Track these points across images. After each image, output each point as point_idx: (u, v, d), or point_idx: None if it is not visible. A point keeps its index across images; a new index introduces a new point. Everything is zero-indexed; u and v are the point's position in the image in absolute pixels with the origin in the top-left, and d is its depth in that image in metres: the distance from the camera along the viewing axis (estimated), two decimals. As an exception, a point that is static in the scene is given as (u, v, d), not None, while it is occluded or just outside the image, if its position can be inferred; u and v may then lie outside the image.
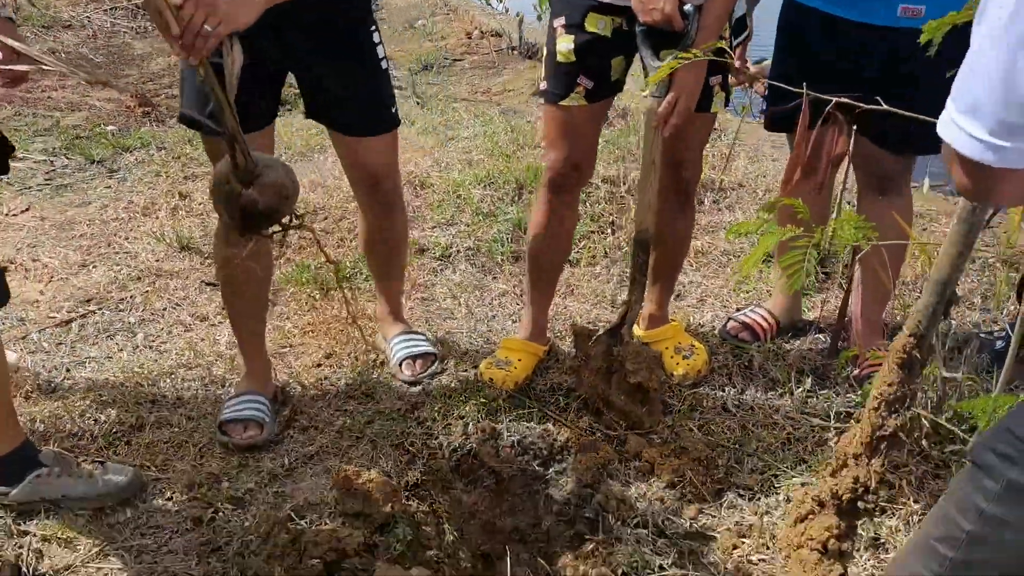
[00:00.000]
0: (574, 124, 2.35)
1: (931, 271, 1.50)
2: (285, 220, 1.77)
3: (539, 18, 5.60)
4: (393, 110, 2.37)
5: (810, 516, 1.76)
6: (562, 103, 2.31)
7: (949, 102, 0.96)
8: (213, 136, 2.12)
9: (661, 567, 2.00)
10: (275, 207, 1.71)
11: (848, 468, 1.62)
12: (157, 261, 3.43)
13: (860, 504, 1.60)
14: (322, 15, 2.15)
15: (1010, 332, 2.14)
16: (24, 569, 1.91)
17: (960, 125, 0.93)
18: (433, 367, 2.65)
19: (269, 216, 1.72)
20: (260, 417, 2.39)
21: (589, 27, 2.24)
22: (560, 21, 2.29)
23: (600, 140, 2.58)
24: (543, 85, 2.36)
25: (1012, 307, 2.88)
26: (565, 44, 2.27)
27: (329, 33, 2.19)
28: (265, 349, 2.58)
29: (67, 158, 4.49)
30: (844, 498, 1.62)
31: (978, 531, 1.05)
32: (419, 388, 2.59)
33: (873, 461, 1.58)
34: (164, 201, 3.91)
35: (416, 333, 2.76)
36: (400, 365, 2.64)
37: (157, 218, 3.78)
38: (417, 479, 2.23)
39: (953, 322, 2.46)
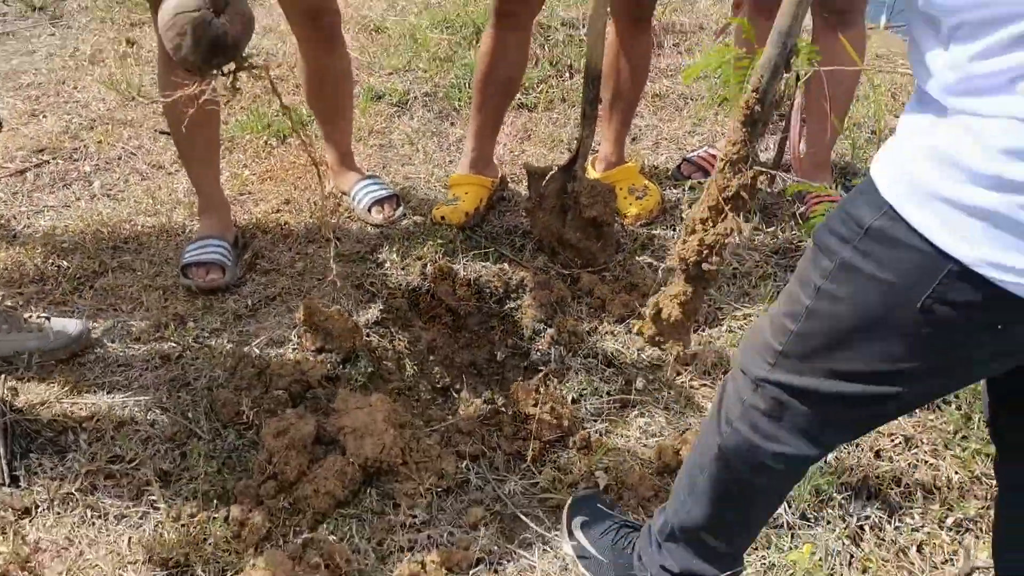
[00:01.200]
0: None
1: (775, 22, 1.44)
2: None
3: None
4: None
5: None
6: None
7: None
8: None
9: (608, 392, 2.13)
10: (241, 38, 1.67)
11: (695, 233, 1.55)
12: (108, 110, 3.37)
13: (704, 267, 1.53)
14: None
15: None
16: (2, 404, 1.99)
17: None
18: (401, 209, 2.69)
19: (234, 48, 1.69)
20: (221, 260, 2.43)
21: None
22: None
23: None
24: None
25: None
26: None
27: None
28: (222, 193, 2.60)
29: (6, 5, 4.30)
30: (690, 262, 1.55)
31: (814, 305, 1.16)
32: (378, 232, 2.64)
33: (718, 223, 1.53)
34: (112, 48, 3.80)
35: (374, 177, 2.78)
36: (369, 210, 2.68)
37: (105, 65, 3.68)
38: (377, 317, 2.32)
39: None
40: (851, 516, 1.79)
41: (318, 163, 2.57)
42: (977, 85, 0.95)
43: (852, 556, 1.73)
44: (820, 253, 1.16)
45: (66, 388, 2.07)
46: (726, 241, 1.53)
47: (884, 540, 1.77)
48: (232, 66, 1.71)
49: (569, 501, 1.79)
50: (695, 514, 1.42)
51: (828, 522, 1.79)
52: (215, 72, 1.74)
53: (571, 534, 1.73)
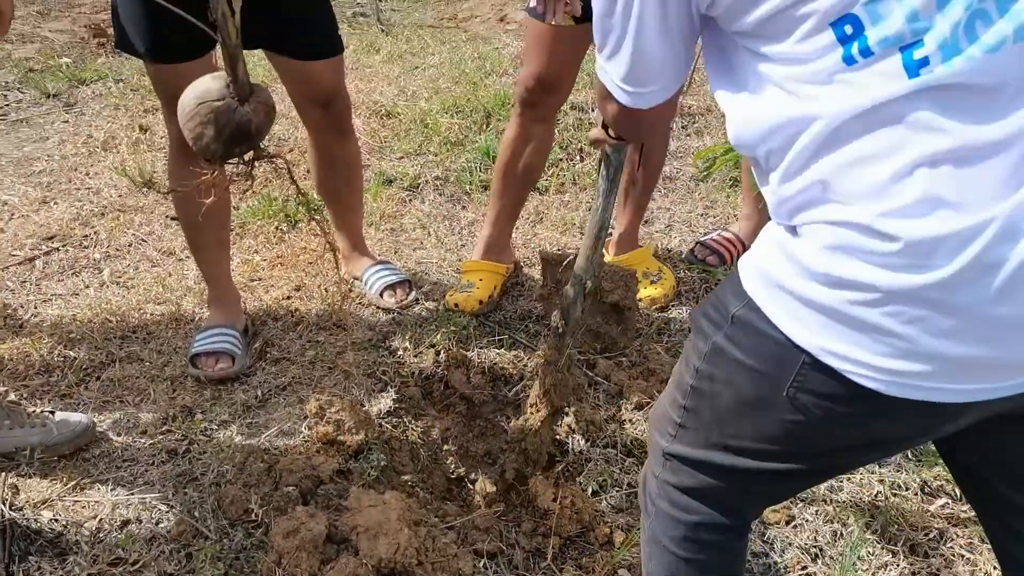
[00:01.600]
0: (555, 42, 2.29)
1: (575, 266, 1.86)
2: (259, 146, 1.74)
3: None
4: (339, 33, 2.38)
5: None
6: (548, 21, 2.26)
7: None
8: (161, 62, 2.07)
9: (629, 484, 2.06)
10: (263, 127, 1.66)
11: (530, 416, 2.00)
12: (120, 196, 3.37)
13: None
14: None
15: None
16: (1, 504, 1.92)
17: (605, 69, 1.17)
18: (413, 293, 2.66)
19: (257, 136, 1.68)
20: (231, 349, 2.39)
21: None
22: None
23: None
24: (532, 2, 2.31)
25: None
26: None
27: None
28: (232, 281, 2.57)
29: (21, 92, 4.37)
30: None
31: (696, 384, 1.20)
32: (390, 318, 2.60)
33: (541, 410, 1.99)
34: (124, 135, 3.83)
35: (386, 262, 2.76)
36: (381, 295, 2.65)
37: (118, 152, 3.71)
38: (390, 407, 2.26)
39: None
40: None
41: (334, 246, 2.56)
42: (795, 204, 1.00)
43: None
44: (697, 335, 1.20)
45: (69, 485, 2.00)
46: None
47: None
48: (251, 154, 1.69)
49: None
50: None
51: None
52: (234, 160, 1.73)
53: None
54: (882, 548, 1.86)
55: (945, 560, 1.87)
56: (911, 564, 1.82)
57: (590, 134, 1.61)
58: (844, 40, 0.92)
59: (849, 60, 0.92)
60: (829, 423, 1.06)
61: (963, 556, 1.88)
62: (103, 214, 3.25)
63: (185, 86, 1.58)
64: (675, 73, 1.15)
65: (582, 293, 1.86)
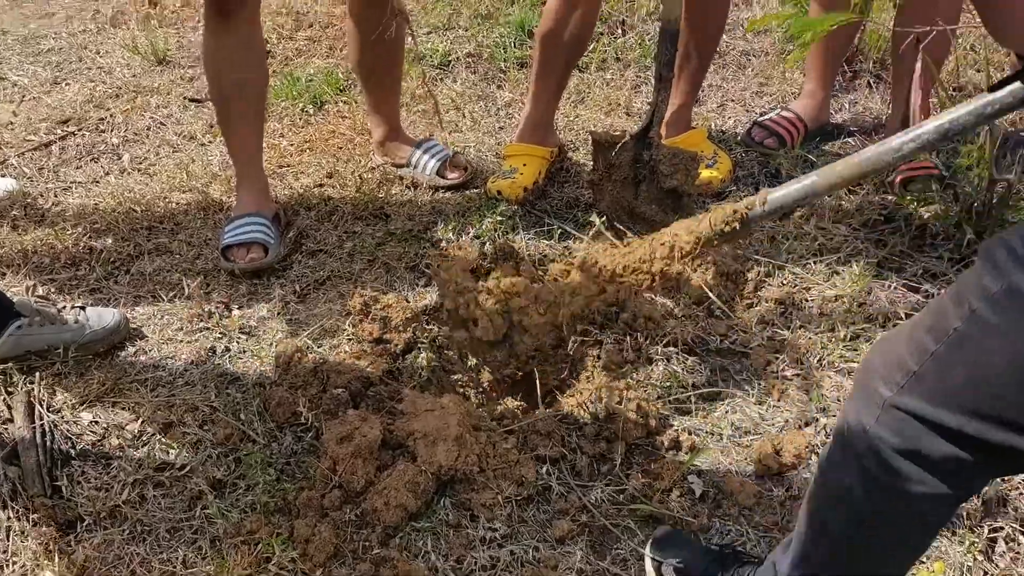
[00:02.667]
0: None
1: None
2: None
3: None
4: None
5: None
6: None
7: None
8: None
9: (693, 385, 1.95)
10: None
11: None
12: (134, 76, 3.18)
13: None
14: None
15: None
16: (37, 405, 1.84)
17: None
18: (470, 168, 2.54)
19: None
20: (263, 239, 2.26)
21: None
22: None
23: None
24: None
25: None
26: None
27: None
28: (262, 165, 2.40)
29: (21, -37, 4.09)
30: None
31: (964, 329, 0.98)
32: (430, 207, 2.46)
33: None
34: (133, 9, 3.60)
35: (431, 140, 2.59)
36: (439, 172, 2.51)
37: (128, 28, 3.49)
38: (435, 302, 2.14)
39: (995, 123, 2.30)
40: (980, 527, 1.61)
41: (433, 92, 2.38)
42: None
43: (986, 573, 1.55)
44: (986, 269, 0.96)
45: (106, 385, 1.91)
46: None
47: (1020, 554, 1.59)
48: None
49: (649, 548, 1.57)
50: (836, 559, 1.23)
51: (955, 534, 1.61)
52: None
53: None
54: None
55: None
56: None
57: None
58: None
59: None
60: None
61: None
62: (117, 95, 3.07)
63: None
64: None
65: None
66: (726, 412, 1.90)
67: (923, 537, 1.18)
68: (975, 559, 1.56)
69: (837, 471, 1.16)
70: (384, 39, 2.31)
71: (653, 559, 1.55)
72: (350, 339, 2.02)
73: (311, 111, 2.93)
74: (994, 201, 2.15)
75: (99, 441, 1.80)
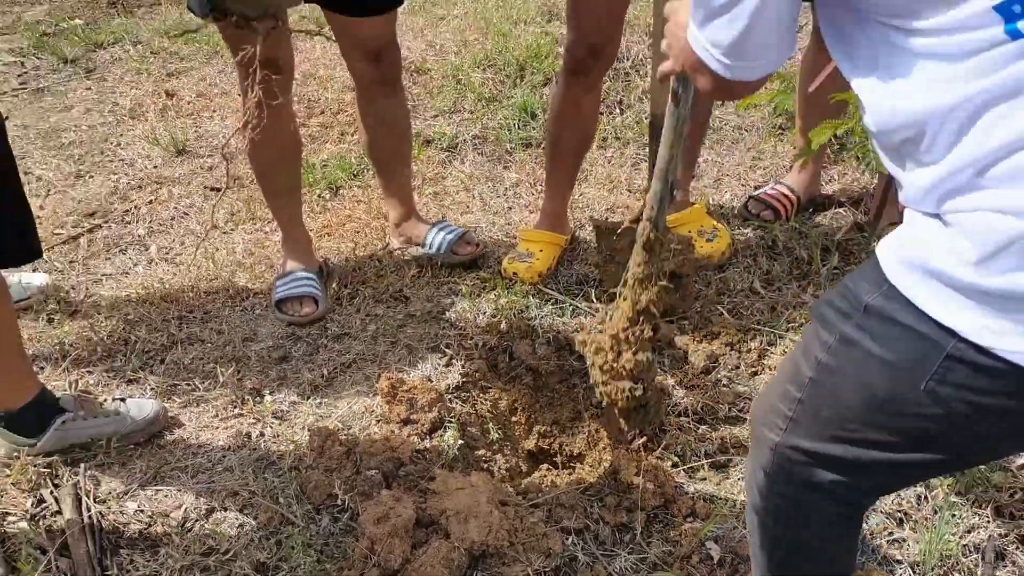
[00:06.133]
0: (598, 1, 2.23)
1: (656, 163, 1.80)
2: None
3: None
4: None
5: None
6: None
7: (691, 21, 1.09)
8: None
9: (705, 453, 2.06)
10: None
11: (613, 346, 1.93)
12: (155, 167, 3.33)
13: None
14: None
15: None
16: (83, 496, 1.93)
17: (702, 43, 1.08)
18: (481, 245, 2.69)
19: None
20: (313, 292, 2.49)
21: None
22: None
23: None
24: None
25: None
26: None
27: None
28: (304, 225, 2.64)
29: (37, 59, 4.28)
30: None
31: (816, 377, 1.16)
32: (447, 288, 2.58)
33: (632, 331, 1.91)
34: (151, 102, 3.76)
35: (443, 221, 2.73)
36: (452, 250, 2.64)
37: (146, 120, 3.65)
38: (457, 381, 2.25)
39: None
40: (985, 584, 1.71)
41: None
42: (945, 190, 0.96)
43: (992, 630, 1.64)
44: (821, 326, 1.15)
45: (148, 474, 2.01)
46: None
47: (1024, 610, 1.69)
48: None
49: None
50: None
51: (960, 592, 1.71)
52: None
53: None
54: (969, 511, 1.86)
55: (1029, 520, 1.88)
56: (999, 526, 1.83)
57: (661, 67, 1.42)
58: (1009, 18, 0.88)
59: (1014, 34, 0.88)
60: (970, 415, 1.03)
61: (1047, 515, 1.88)
62: (140, 187, 3.21)
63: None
64: (790, 40, 1.07)
65: (669, 190, 1.83)
66: (738, 479, 2.00)
67: (845, 553, 1.37)
68: (982, 616, 1.66)
69: (757, 515, 1.35)
70: (392, 118, 2.48)
71: None
72: (379, 420, 2.13)
73: (327, 196, 3.07)
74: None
75: (145, 529, 1.89)
